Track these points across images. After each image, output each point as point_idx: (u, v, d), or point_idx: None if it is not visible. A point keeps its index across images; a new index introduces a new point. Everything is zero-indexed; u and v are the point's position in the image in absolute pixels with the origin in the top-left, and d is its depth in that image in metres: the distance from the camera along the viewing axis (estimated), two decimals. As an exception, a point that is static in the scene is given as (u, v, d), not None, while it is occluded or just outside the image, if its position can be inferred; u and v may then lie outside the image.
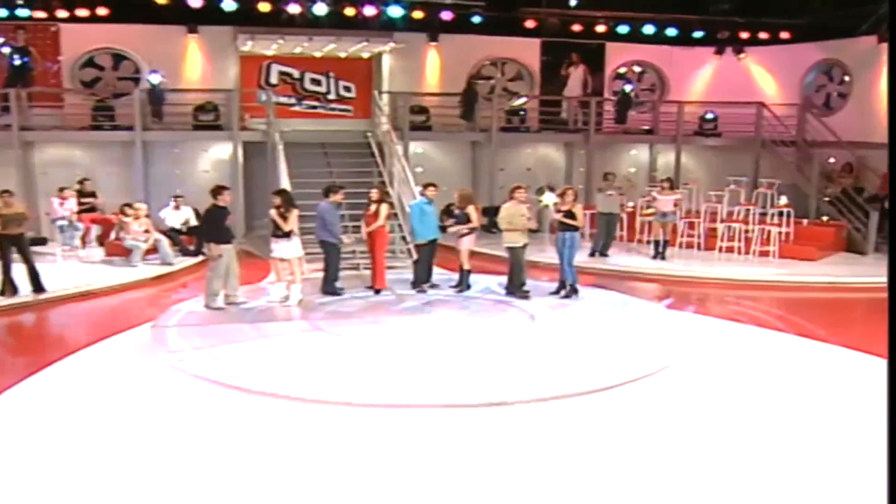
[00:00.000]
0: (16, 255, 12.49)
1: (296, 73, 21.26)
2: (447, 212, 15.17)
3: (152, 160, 18.98)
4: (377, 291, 12.74)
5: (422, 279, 13.01)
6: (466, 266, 13.02)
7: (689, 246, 17.55)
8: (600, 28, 21.50)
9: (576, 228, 12.67)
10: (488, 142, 20.40)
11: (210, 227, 11.71)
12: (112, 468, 6.48)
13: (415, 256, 13.27)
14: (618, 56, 22.62)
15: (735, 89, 21.92)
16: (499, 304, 12.26)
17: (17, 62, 18.02)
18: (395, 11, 19.81)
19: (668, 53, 22.68)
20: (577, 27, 21.49)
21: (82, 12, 18.77)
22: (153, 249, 15.41)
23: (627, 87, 21.42)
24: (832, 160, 19.91)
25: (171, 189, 17.80)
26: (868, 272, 15.16)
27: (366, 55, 21.35)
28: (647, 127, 22.21)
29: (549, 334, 10.55)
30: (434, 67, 21.35)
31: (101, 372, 9.10)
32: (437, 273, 13.55)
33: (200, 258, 15.76)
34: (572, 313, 11.75)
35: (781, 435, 7.35)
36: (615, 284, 14.22)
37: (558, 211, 12.75)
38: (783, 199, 17.53)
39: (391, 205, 13.77)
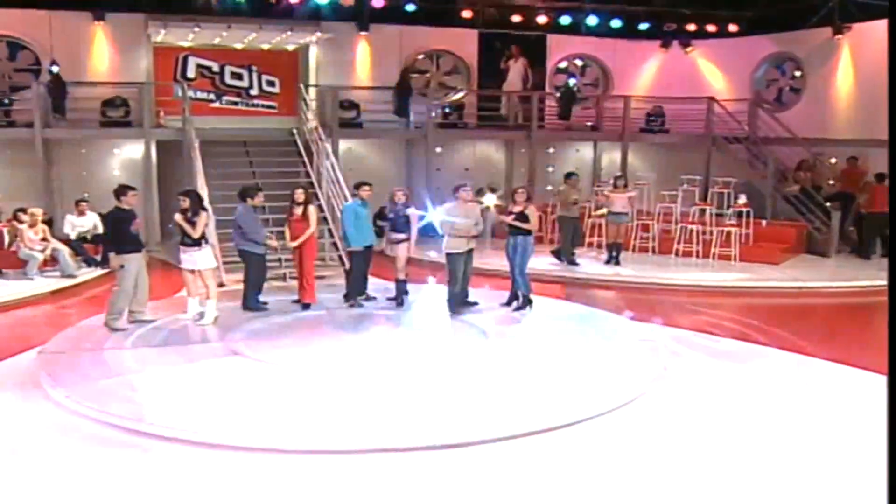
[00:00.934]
0: None
1: (215, 67, 19.60)
2: (381, 215, 13.70)
3: (55, 161, 17.15)
4: (306, 306, 11.25)
5: (356, 291, 11.56)
6: (402, 276, 11.61)
7: (643, 250, 16.45)
8: (541, 19, 20.24)
9: (529, 232, 11.37)
10: (423, 139, 19.02)
11: (112, 234, 10.06)
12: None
13: (347, 265, 11.84)
14: (559, 49, 21.43)
15: (681, 84, 20.92)
16: (444, 319, 10.87)
17: None
18: (323, -2, 18.28)
19: (612, 46, 21.55)
20: (516, 18, 20.20)
21: (-29, -5, 16.84)
22: (52, 260, 13.65)
23: (571, 81, 20.26)
24: (833, 160, 18.83)
25: (78, 193, 15.98)
26: (835, 275, 14.29)
27: (291, 47, 19.83)
28: (591, 123, 21.06)
29: (505, 356, 9.18)
30: (364, 60, 19.86)
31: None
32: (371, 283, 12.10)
33: (108, 269, 14.08)
34: (529, 329, 10.44)
35: (783, 474, 6.13)
36: (570, 293, 13.00)
37: (509, 213, 11.43)
38: (742, 199, 16.53)
39: (319, 207, 12.24)
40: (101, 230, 14.48)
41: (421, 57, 20.51)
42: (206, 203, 11.01)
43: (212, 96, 19.48)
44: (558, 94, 20.21)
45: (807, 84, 19.60)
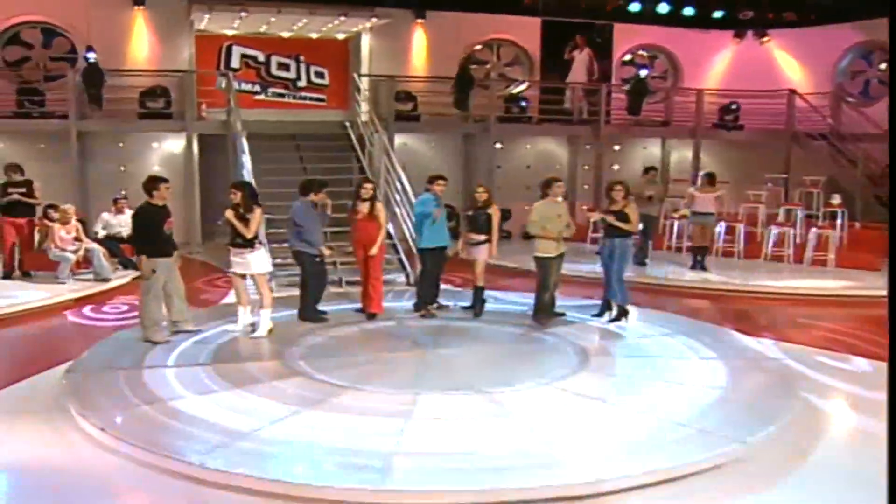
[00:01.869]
0: None
1: (260, 57, 18.37)
2: (449, 216, 12.30)
3: (91, 155, 15.97)
4: (371, 316, 9.89)
5: (427, 299, 10.19)
6: (481, 282, 10.21)
7: (728, 254, 14.95)
8: (609, 6, 18.78)
9: (628, 234, 9.96)
10: (485, 134, 17.63)
11: (142, 234, 8.75)
12: None
13: (414, 270, 10.50)
14: (626, 39, 19.96)
15: (756, 77, 19.34)
16: (532, 333, 9.45)
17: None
18: (378, -18, 16.96)
19: (682, 36, 20.03)
20: (581, 4, 18.75)
21: (4, -23, 15.73)
22: (85, 262, 12.43)
23: (643, 73, 18.74)
24: None
25: (114, 190, 14.77)
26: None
27: (341, 36, 18.53)
28: (660, 119, 19.54)
29: (616, 380, 7.76)
30: (421, 49, 18.52)
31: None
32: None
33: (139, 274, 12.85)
34: (632, 346, 8.96)
35: None
36: (660, 302, 11.55)
37: (607, 211, 10.01)
38: (836, 198, 14.98)
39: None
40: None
41: (479, 47, 19.13)
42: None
43: (256, 88, 18.26)
44: (628, 87, 18.72)
45: (899, 75, 17.91)
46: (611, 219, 9.93)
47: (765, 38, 19.89)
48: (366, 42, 18.10)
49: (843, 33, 18.78)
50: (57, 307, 11.04)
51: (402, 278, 12.58)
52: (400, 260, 12.84)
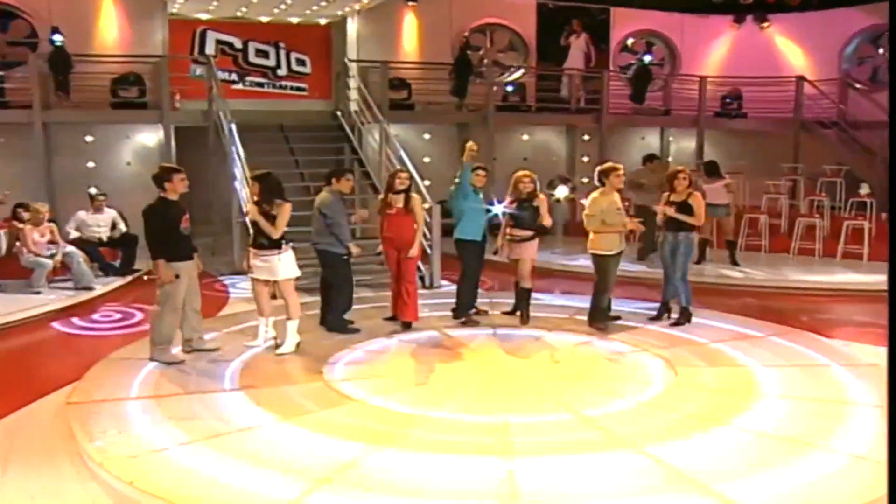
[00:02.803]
0: None
1: (237, 43, 17.06)
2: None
3: (56, 149, 14.41)
4: (406, 325, 8.67)
5: (467, 302, 9.00)
6: (528, 284, 9.06)
7: (752, 248, 14.03)
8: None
9: (692, 228, 8.90)
10: (482, 123, 16.48)
11: (156, 235, 7.39)
12: None
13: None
14: (624, 24, 18.97)
15: (757, 64, 18.48)
16: (598, 340, 8.33)
17: None
18: (366, -39, 15.70)
19: (680, 22, 19.14)
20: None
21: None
22: (62, 268, 10.98)
23: (647, 59, 17.75)
24: None
25: (82, 188, 13.26)
26: None
27: (323, 21, 17.24)
28: (662, 107, 18.60)
29: (719, 400, 6.66)
30: (411, 34, 17.30)
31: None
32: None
33: (130, 277, 11.46)
34: (713, 353, 7.88)
35: None
36: (704, 301, 10.51)
37: (669, 203, 8.93)
38: (864, 188, 14.13)
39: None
40: (123, 229, 11.86)
41: (466, 33, 17.90)
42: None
43: (234, 77, 16.89)
44: (631, 74, 17.73)
45: (914, 60, 17.17)
46: (671, 211, 8.87)
47: (765, 24, 19.04)
48: (353, 27, 16.81)
49: (848, 17, 18.00)
50: (36, 322, 9.60)
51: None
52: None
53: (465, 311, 8.91)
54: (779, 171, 16.38)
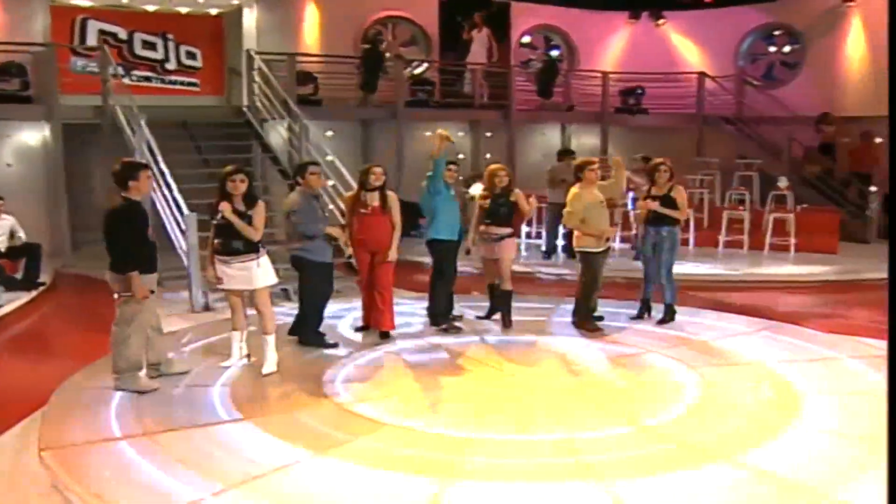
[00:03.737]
0: None
1: (122, 34, 15.51)
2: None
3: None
4: (385, 335, 7.88)
5: (444, 309, 8.29)
6: (509, 285, 8.44)
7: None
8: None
9: (677, 222, 8.53)
10: (390, 119, 15.74)
11: (124, 242, 6.21)
12: None
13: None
14: (524, 19, 18.64)
15: (653, 60, 18.66)
16: (598, 344, 7.79)
17: None
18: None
19: (577, 18, 19.01)
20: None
21: None
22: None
23: (554, 53, 17.48)
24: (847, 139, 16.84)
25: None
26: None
27: (214, 11, 16.02)
28: (564, 103, 18.39)
29: (751, 404, 6.25)
30: (313, 26, 16.31)
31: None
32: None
33: (35, 292, 10.08)
34: (728, 350, 7.51)
35: None
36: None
37: (652, 197, 8.52)
38: (783, 181, 14.29)
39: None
40: (22, 237, 10.42)
41: (368, 25, 17.07)
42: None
43: (120, 70, 15.37)
44: (539, 68, 17.42)
45: (807, 57, 17.67)
46: (654, 205, 8.48)
47: (661, 21, 19.18)
48: (253, 18, 15.66)
49: (742, 15, 18.32)
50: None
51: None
52: (350, 264, 10.77)
53: (445, 318, 8.19)
54: (687, 167, 16.42)
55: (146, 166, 6.53)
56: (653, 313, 8.74)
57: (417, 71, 17.19)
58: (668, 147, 17.25)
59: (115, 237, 6.09)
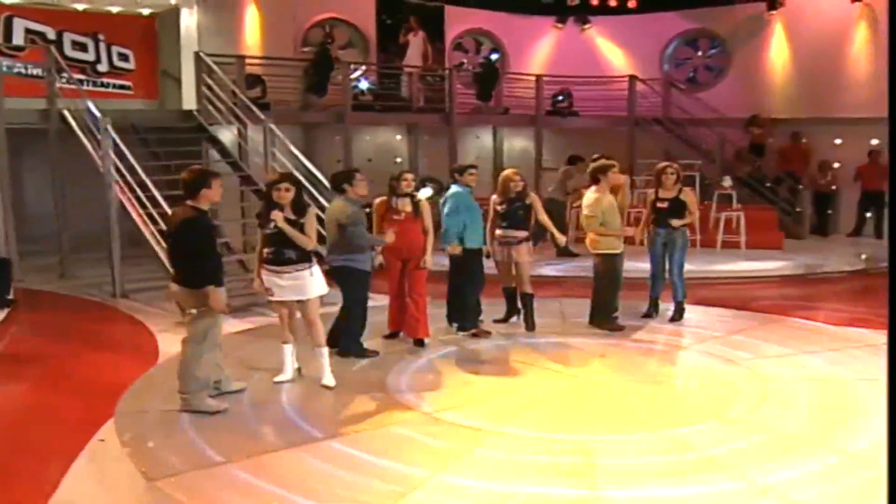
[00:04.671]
0: None
1: (50, 34, 14.73)
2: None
3: None
4: (419, 343, 7.79)
5: (472, 314, 8.27)
6: (529, 288, 8.49)
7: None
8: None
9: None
10: (336, 123, 15.55)
11: (202, 254, 5.87)
12: None
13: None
14: (458, 23, 18.76)
15: (580, 64, 19.04)
16: (629, 343, 7.94)
17: None
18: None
19: (507, 21, 19.27)
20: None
21: None
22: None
23: (494, 56, 17.63)
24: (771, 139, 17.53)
25: None
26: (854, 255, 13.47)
27: (146, 11, 15.41)
28: (497, 106, 18.56)
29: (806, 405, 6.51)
30: (254, 28, 15.91)
31: None
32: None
33: (4, 312, 9.49)
34: (757, 352, 7.78)
35: None
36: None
37: (661, 200, 8.76)
38: (727, 181, 14.89)
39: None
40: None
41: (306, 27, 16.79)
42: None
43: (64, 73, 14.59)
44: (478, 72, 17.53)
45: (732, 62, 18.43)
46: (677, 223, 8.73)
47: (586, 26, 19.61)
48: (191, 19, 15.13)
49: (666, 21, 18.95)
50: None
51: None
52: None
53: (474, 323, 8.18)
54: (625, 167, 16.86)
55: (218, 174, 6.22)
56: (660, 311, 8.99)
57: (354, 75, 16.92)
58: (601, 149, 17.76)
59: (189, 249, 5.78)
